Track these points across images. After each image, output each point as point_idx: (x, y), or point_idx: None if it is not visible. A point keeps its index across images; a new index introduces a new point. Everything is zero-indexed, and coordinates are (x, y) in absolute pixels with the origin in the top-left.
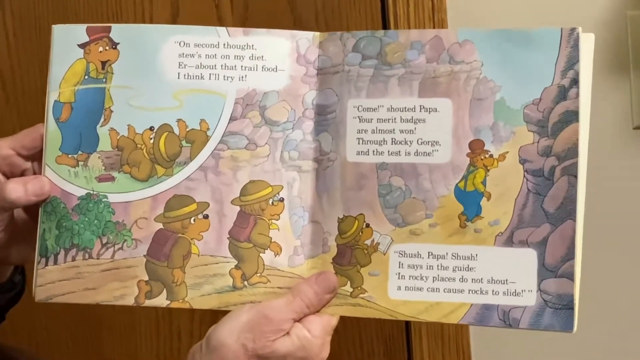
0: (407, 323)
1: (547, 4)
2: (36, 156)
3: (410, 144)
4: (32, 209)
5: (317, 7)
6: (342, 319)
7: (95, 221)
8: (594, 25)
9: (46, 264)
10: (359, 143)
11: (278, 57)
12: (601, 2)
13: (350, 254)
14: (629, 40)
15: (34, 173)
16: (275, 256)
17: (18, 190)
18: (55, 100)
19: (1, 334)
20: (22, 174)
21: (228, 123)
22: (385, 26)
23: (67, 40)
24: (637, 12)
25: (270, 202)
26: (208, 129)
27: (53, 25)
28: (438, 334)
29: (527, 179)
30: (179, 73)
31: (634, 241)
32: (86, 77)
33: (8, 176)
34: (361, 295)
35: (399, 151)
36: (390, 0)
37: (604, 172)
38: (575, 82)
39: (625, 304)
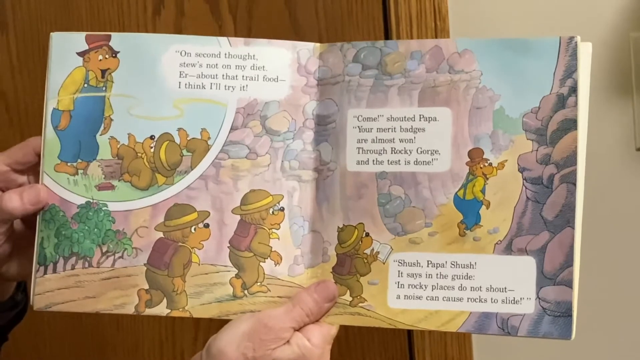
0: (411, 348)
1: (549, 25)
2: (31, 170)
3: (410, 153)
4: (32, 223)
5: (320, 27)
6: (345, 343)
7: (95, 230)
8: (597, 47)
9: (45, 273)
10: (359, 152)
11: (279, 67)
12: (604, 23)
13: (349, 263)
14: (632, 61)
15: None
16: (276, 265)
17: (14, 200)
18: (53, 108)
19: (5, 354)
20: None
21: (229, 132)
22: (387, 37)
23: (66, 48)
24: None
25: (271, 211)
26: (209, 138)
27: (52, 33)
28: (442, 357)
29: (526, 187)
30: (179, 82)
31: (638, 264)
32: (85, 85)
33: (4, 192)
34: (360, 305)
35: (399, 160)
36: (392, 16)
37: (606, 193)
38: (573, 90)
39: (624, 312)
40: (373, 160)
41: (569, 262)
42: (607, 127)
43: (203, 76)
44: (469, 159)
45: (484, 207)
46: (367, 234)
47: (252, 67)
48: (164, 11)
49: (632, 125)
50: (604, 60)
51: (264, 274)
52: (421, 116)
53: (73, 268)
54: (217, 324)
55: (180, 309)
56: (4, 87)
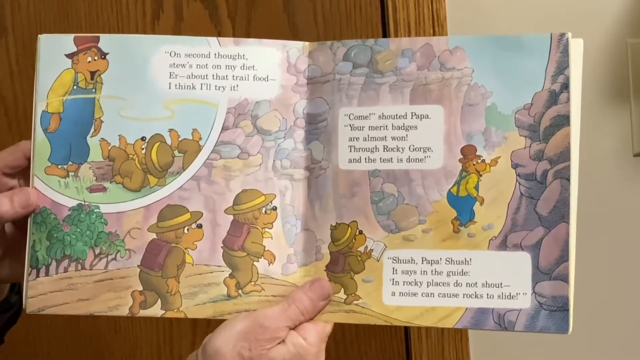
0: (408, 351)
1: (546, 30)
2: (21, 174)
3: (402, 150)
4: (23, 226)
5: (319, 30)
6: (343, 346)
7: (88, 232)
8: (594, 53)
9: (37, 276)
10: (350, 151)
11: (269, 66)
12: (602, 29)
13: (343, 261)
14: (629, 67)
15: None
16: (269, 264)
17: (4, 203)
18: (43, 111)
19: (2, 358)
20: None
21: (220, 132)
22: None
23: (54, 50)
24: (637, 40)
25: (263, 210)
26: (200, 138)
27: (39, 35)
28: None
29: (519, 183)
30: (170, 83)
31: (635, 268)
32: (75, 87)
33: None
34: (355, 302)
35: (391, 158)
36: (391, 21)
37: (604, 199)
38: (565, 86)
39: (620, 305)
40: (365, 159)
41: (564, 257)
42: (604, 133)
43: (193, 76)
44: (461, 156)
45: (477, 203)
46: (361, 232)
47: (242, 67)
48: (163, 16)
49: (630, 131)
50: (602, 67)
51: (257, 273)
52: (413, 114)
53: (66, 271)
54: (215, 328)
55: (175, 310)
56: (3, 91)
